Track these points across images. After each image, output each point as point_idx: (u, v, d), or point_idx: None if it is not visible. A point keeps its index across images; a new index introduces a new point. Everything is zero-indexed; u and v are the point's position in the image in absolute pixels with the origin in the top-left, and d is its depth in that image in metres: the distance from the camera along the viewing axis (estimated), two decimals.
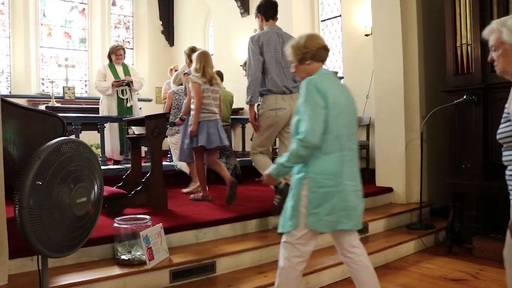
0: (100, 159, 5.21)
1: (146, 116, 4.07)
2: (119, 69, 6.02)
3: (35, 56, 8.83)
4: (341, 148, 2.16)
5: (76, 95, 8.75)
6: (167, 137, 4.93)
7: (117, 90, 5.87)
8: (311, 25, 7.03)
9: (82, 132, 4.99)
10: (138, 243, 2.81)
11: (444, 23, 4.31)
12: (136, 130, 4.17)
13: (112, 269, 2.71)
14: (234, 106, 6.17)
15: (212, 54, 9.03)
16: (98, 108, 6.16)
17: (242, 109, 7.58)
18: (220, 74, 5.88)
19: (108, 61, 6.08)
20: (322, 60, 2.32)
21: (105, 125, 5.31)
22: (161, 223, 3.02)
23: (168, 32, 10.15)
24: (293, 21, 6.81)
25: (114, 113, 5.81)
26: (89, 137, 5.72)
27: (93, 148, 6.15)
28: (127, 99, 5.92)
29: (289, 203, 2.24)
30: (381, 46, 4.97)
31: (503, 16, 3.84)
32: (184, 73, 4.76)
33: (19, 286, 2.43)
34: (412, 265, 3.62)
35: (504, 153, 1.86)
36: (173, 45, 10.13)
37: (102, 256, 2.91)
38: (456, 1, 4.19)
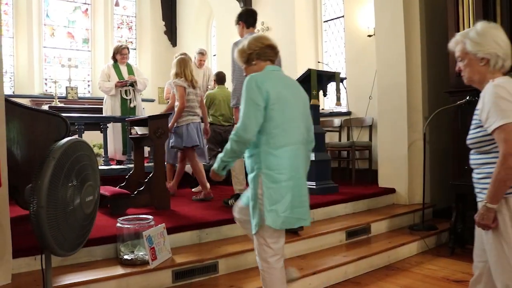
0: (103, 159, 5.22)
1: (149, 116, 4.10)
2: (123, 69, 6.04)
3: (38, 56, 8.85)
4: (290, 142, 2.16)
5: (79, 95, 8.77)
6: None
7: (120, 91, 5.89)
8: (313, 26, 7.02)
9: (85, 132, 5.01)
10: (141, 243, 2.82)
11: (447, 23, 4.30)
12: (139, 130, 4.20)
13: (115, 269, 2.72)
14: None
15: (215, 55, 9.09)
16: (101, 108, 6.19)
17: None
18: (222, 75, 5.90)
19: (113, 62, 6.09)
20: (270, 58, 2.33)
21: (108, 125, 5.32)
22: (164, 223, 3.03)
23: (171, 32, 10.17)
24: (296, 21, 6.81)
25: (118, 113, 5.83)
26: (92, 137, 5.74)
27: (96, 148, 6.18)
28: (130, 99, 5.94)
29: (250, 204, 2.23)
30: (384, 47, 4.96)
31: (506, 16, 3.86)
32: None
33: (22, 285, 2.44)
34: (414, 266, 3.62)
35: (472, 157, 1.92)
36: (176, 45, 10.14)
37: (105, 256, 2.92)
38: (459, 1, 4.19)
